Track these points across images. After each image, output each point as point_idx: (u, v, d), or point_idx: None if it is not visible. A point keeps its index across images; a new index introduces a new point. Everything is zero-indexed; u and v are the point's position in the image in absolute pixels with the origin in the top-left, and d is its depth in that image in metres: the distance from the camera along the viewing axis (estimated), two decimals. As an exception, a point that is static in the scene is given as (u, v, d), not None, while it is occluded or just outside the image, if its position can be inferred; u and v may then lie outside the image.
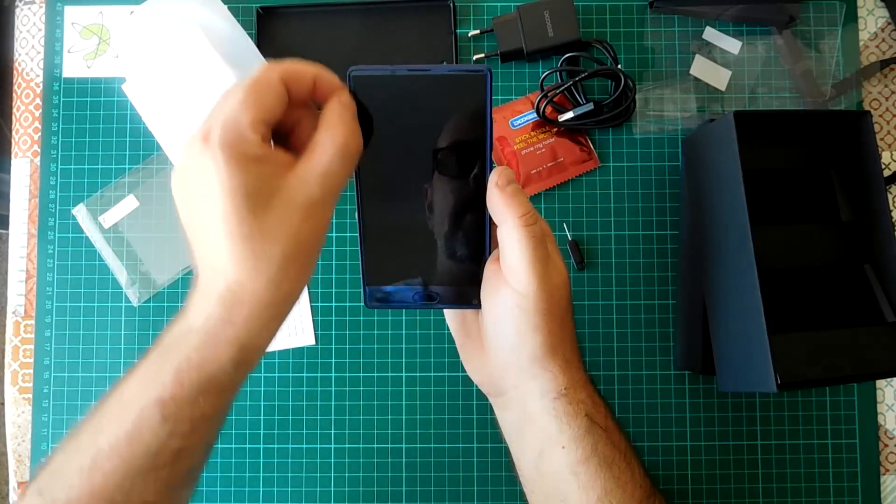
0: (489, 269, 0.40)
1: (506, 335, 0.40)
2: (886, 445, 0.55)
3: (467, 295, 0.42)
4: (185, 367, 0.34)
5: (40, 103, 0.58)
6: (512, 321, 0.39)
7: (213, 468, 0.55)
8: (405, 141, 0.39)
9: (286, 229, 0.34)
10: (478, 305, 0.42)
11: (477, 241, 0.41)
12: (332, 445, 0.55)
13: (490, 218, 0.41)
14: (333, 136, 0.35)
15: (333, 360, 0.56)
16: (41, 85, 0.59)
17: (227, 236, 0.33)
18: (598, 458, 0.40)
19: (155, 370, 0.35)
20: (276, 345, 0.56)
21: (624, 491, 0.41)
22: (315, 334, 0.56)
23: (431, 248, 0.41)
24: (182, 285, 0.56)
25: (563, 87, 0.55)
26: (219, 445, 0.55)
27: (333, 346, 0.56)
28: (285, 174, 0.35)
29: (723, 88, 0.58)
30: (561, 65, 0.57)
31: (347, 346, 0.56)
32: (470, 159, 0.39)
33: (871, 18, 0.59)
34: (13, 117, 0.59)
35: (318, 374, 0.56)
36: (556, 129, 0.57)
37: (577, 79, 0.55)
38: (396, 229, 0.41)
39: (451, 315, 0.45)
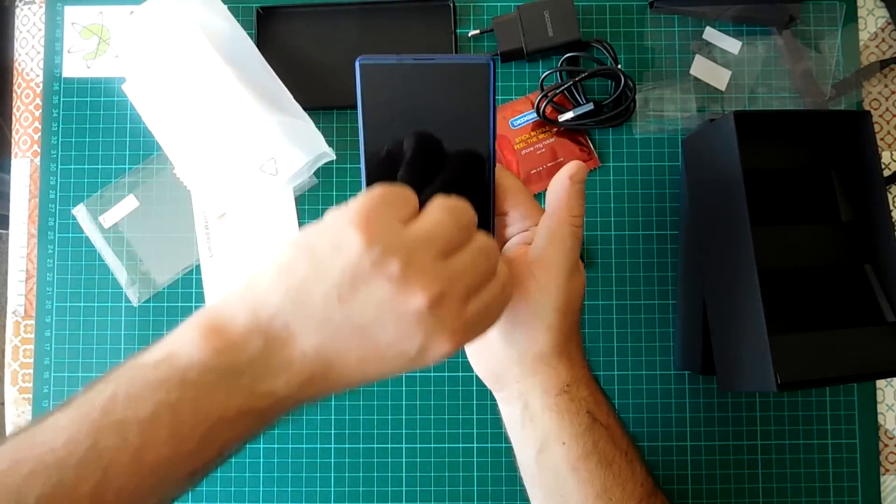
0: (509, 260, 0.40)
1: (516, 328, 0.39)
2: (886, 445, 0.55)
3: None
4: (226, 442, 0.30)
5: (40, 103, 0.58)
6: (526, 315, 0.39)
7: (213, 468, 0.55)
8: (411, 129, 0.40)
9: None
10: None
11: (481, 223, 0.41)
12: (332, 445, 0.55)
13: (494, 208, 0.41)
14: None
15: (333, 360, 0.56)
16: (41, 85, 0.59)
17: (367, 381, 0.32)
18: (598, 456, 0.40)
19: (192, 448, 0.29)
20: (276, 345, 0.56)
21: (623, 489, 0.41)
22: (315, 334, 0.56)
23: None
24: (182, 285, 0.56)
25: (563, 87, 0.55)
26: (219, 445, 0.55)
27: (333, 346, 0.56)
28: None
29: (723, 88, 0.58)
30: (561, 65, 0.57)
31: (347, 346, 0.56)
32: (473, 149, 0.40)
33: (871, 18, 0.59)
34: (13, 117, 0.59)
35: (318, 374, 0.56)
36: (556, 129, 0.57)
37: (577, 79, 0.55)
38: None
39: None
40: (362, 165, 0.40)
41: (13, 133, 0.59)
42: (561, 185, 0.38)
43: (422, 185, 0.41)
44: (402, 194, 0.32)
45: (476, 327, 0.32)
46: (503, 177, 0.40)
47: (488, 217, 0.41)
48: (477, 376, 0.45)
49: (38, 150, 0.58)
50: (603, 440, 0.41)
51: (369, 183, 0.41)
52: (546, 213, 0.39)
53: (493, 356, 0.42)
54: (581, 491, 0.40)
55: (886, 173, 0.57)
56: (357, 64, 0.38)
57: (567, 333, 0.40)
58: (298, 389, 0.30)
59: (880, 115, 0.58)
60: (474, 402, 0.55)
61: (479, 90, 0.39)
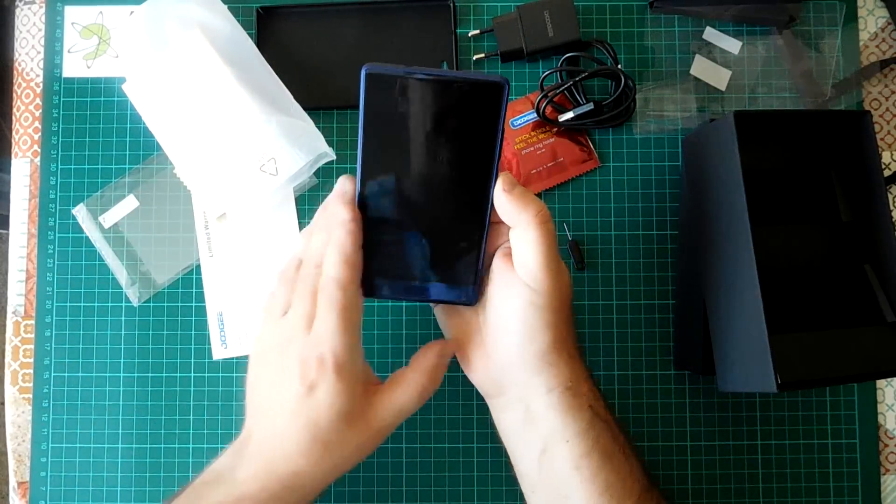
0: (499, 267, 0.41)
1: (515, 332, 0.40)
2: (886, 445, 0.55)
3: (460, 292, 0.42)
4: None
5: (40, 103, 0.58)
6: (523, 318, 0.40)
7: (213, 468, 0.55)
8: (413, 141, 0.39)
9: (357, 443, 0.41)
10: (470, 302, 0.43)
11: (474, 241, 0.41)
12: (332, 445, 0.55)
13: (489, 220, 0.41)
14: (420, 382, 0.41)
15: (333, 360, 0.56)
16: (41, 85, 0.59)
17: (310, 438, 0.39)
18: (599, 452, 0.41)
19: None
20: (276, 345, 0.56)
21: (624, 485, 0.41)
22: (315, 334, 0.56)
23: (430, 245, 0.42)
24: (182, 285, 0.56)
25: (563, 87, 0.55)
26: (219, 445, 0.55)
27: (333, 346, 0.56)
28: (370, 398, 0.41)
29: (723, 88, 0.58)
30: (561, 65, 0.57)
31: (347, 346, 0.56)
32: (476, 164, 0.39)
33: (871, 18, 0.59)
34: (13, 117, 0.59)
35: (318, 374, 0.56)
36: (556, 129, 0.57)
37: (577, 79, 0.55)
38: (397, 225, 0.41)
39: (445, 318, 0.45)
40: (358, 175, 0.40)
41: (13, 133, 0.59)
42: (502, 202, 0.39)
43: (418, 202, 0.41)
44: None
45: (338, 329, 0.38)
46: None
47: (483, 230, 0.41)
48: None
49: (38, 150, 0.58)
50: (604, 436, 0.41)
51: (365, 188, 0.40)
52: (512, 228, 0.40)
53: (493, 365, 0.42)
54: (584, 489, 0.41)
55: (886, 173, 0.57)
56: (363, 72, 0.37)
57: (564, 330, 0.41)
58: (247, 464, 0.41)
59: (880, 115, 0.58)
60: (474, 402, 0.55)
61: (490, 110, 0.38)
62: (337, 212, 0.40)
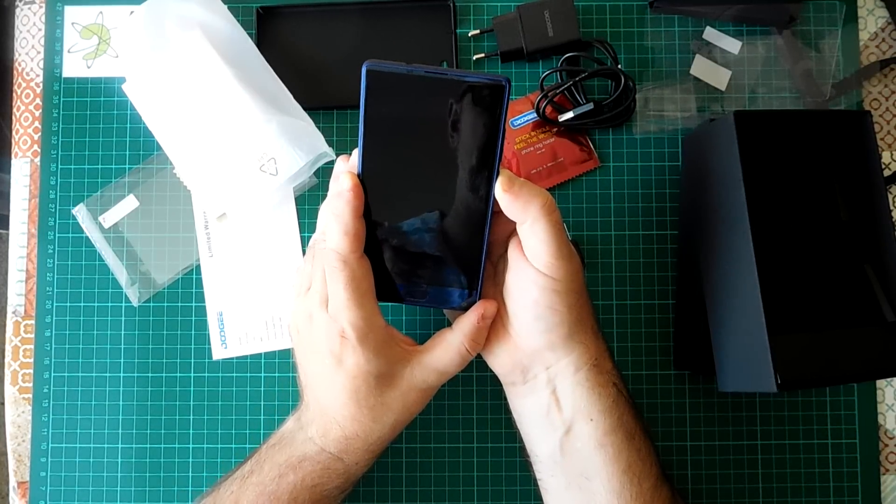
0: (514, 258, 0.42)
1: (541, 318, 0.41)
2: (886, 445, 0.55)
3: (455, 296, 0.43)
4: (300, 487, 0.43)
5: (40, 103, 0.58)
6: (547, 304, 0.40)
7: (213, 468, 0.55)
8: (413, 141, 0.39)
9: (402, 403, 0.42)
10: (463, 307, 0.43)
11: (476, 243, 0.41)
12: (332, 445, 0.55)
13: (490, 223, 0.41)
14: (461, 343, 0.42)
15: (333, 360, 0.56)
16: (41, 85, 0.59)
17: (354, 404, 0.41)
18: (623, 430, 0.42)
19: (273, 488, 0.43)
20: (277, 344, 0.56)
21: (644, 464, 0.42)
22: (315, 334, 0.56)
23: (431, 247, 0.42)
24: (182, 285, 0.56)
25: (563, 87, 0.55)
26: (219, 445, 0.55)
27: (333, 346, 0.56)
28: (409, 358, 0.42)
29: (723, 88, 0.58)
30: (561, 65, 0.57)
31: (347, 346, 0.56)
32: (477, 167, 0.39)
33: (871, 18, 0.59)
34: (13, 117, 0.59)
35: (318, 374, 0.56)
36: (556, 129, 0.57)
37: (577, 79, 0.55)
38: (397, 225, 0.41)
39: (458, 313, 0.46)
40: (361, 170, 0.40)
41: (13, 133, 0.59)
42: (506, 202, 0.39)
43: (418, 203, 0.41)
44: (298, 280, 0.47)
45: (350, 302, 0.40)
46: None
47: (483, 232, 0.41)
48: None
49: (38, 150, 0.58)
50: (627, 414, 0.43)
51: (366, 186, 0.40)
52: (518, 224, 0.40)
53: (520, 352, 0.43)
54: (607, 468, 0.41)
55: (886, 173, 0.57)
56: (364, 69, 0.37)
57: (586, 309, 0.43)
58: (311, 427, 0.44)
59: (880, 115, 0.58)
60: (474, 402, 0.55)
61: (492, 111, 0.37)
62: (337, 182, 0.41)
